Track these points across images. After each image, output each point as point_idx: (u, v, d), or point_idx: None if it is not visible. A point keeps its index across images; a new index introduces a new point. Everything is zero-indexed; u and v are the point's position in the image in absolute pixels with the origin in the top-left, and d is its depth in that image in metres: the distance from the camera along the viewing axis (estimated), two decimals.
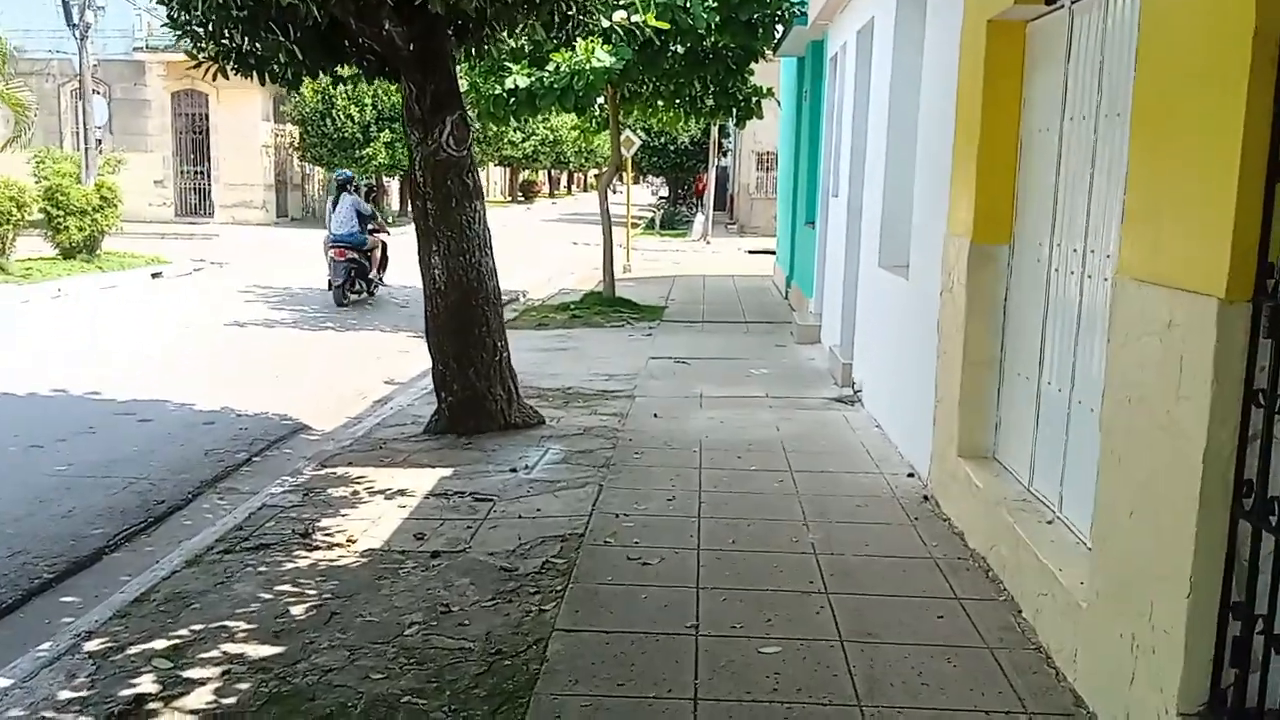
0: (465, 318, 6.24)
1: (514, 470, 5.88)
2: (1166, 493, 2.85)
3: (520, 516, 5.11)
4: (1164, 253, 2.95)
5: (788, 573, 4.40)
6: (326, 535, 4.93)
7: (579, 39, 11.00)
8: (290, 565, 4.57)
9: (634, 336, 11.26)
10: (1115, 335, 3.23)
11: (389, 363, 10.48)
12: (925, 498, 5.40)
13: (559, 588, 4.24)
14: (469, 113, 12.77)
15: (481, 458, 6.17)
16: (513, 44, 11.21)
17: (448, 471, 5.90)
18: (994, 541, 4.38)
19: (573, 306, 13.25)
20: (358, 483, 5.78)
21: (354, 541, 4.82)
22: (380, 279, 15.27)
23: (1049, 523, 4.06)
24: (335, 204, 14.59)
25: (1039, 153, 4.59)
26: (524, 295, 16.29)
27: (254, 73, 5.94)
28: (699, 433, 6.86)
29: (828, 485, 5.64)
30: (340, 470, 6.02)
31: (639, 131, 36.28)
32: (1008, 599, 4.14)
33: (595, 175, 53.09)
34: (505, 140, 44.88)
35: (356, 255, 14.22)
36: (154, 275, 18.62)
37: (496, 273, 6.48)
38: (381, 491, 5.60)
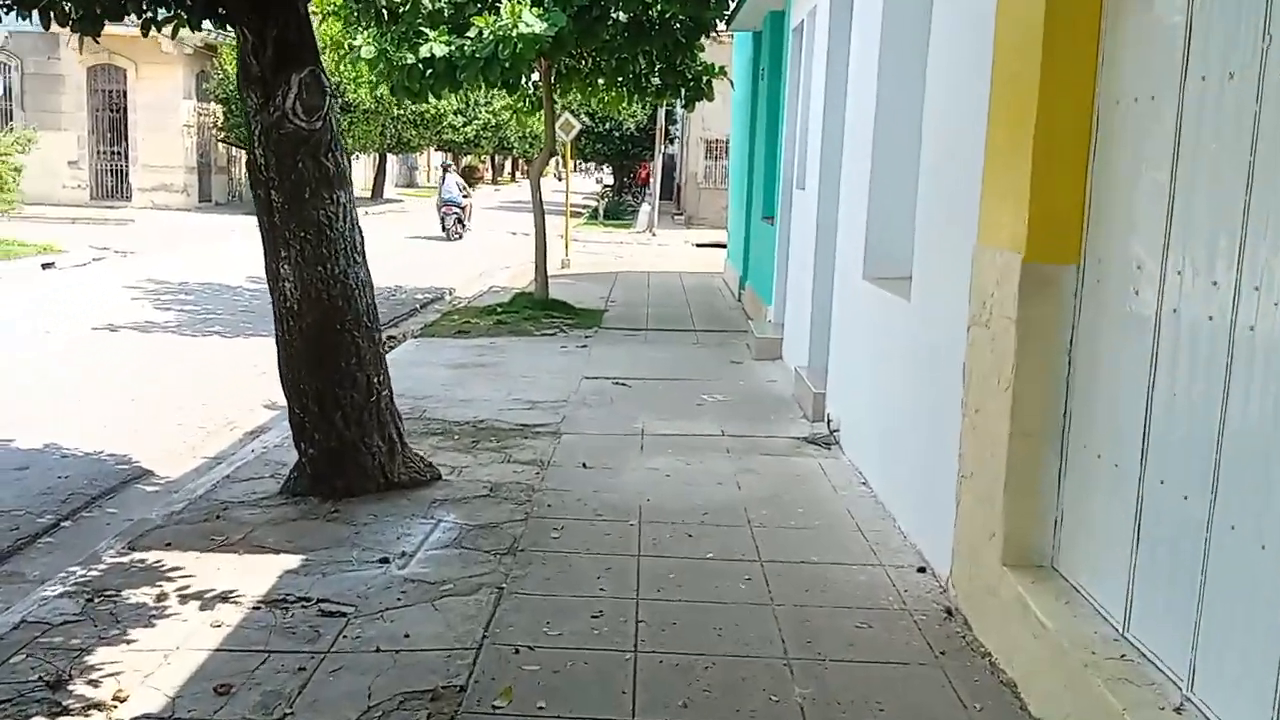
0: (328, 346, 4.67)
1: (385, 561, 4.33)
2: None
3: (379, 649, 3.56)
4: None
5: None
6: (88, 684, 3.34)
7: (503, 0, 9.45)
8: None
9: (567, 348, 9.73)
10: None
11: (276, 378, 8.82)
12: (949, 612, 3.94)
13: None
14: (380, 83, 11.17)
15: (346, 536, 4.60)
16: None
17: (295, 561, 4.33)
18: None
19: (500, 310, 11.67)
20: (169, 578, 4.19)
21: (121, 700, 3.24)
22: (468, 226, 24.25)
23: (1176, 710, 2.63)
24: (443, 180, 24.46)
25: (1132, 133, 3.15)
26: (450, 294, 14.69)
27: (33, 11, 4.29)
28: (638, 492, 5.36)
29: (813, 587, 4.16)
30: (152, 556, 4.42)
31: (581, 115, 34.85)
32: None
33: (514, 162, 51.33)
34: (446, 124, 42.93)
35: (459, 210, 23.67)
36: (44, 266, 16.63)
37: (371, 285, 4.90)
38: (197, 596, 4.02)
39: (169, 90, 28.52)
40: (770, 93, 11.70)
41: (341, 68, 12.10)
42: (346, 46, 10.28)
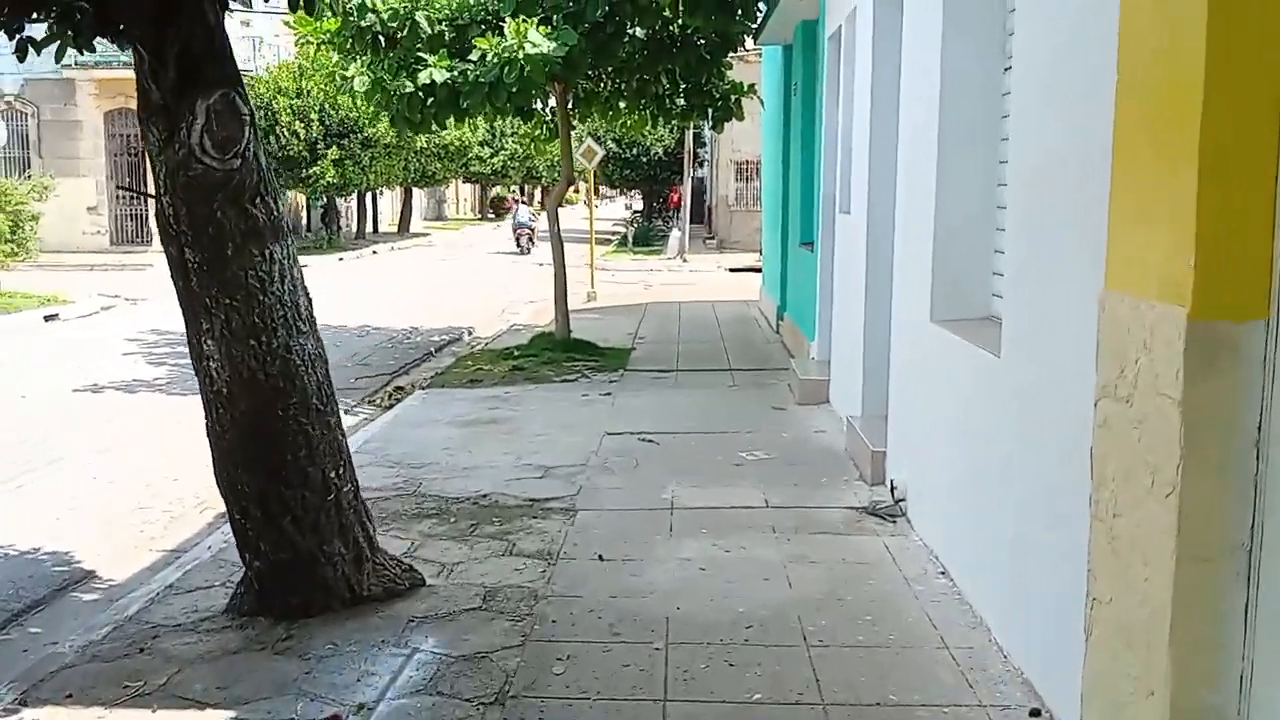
0: (268, 437, 3.74)
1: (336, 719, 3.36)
2: None
3: None
4: None
5: None
6: None
7: (508, 19, 8.58)
8: None
9: (588, 397, 8.76)
10: None
11: None
12: None
13: None
14: (380, 115, 10.34)
15: (294, 677, 3.64)
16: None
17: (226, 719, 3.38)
18: None
19: (518, 353, 10.74)
20: None
21: None
22: (535, 244, 28.99)
23: None
24: (516, 211, 32.43)
25: None
26: (469, 334, 13.82)
27: None
28: (666, 596, 4.36)
29: None
30: (44, 716, 3.49)
31: (606, 141, 34.16)
32: None
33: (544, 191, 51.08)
34: (472, 155, 42.41)
35: (530, 230, 29.66)
36: (47, 318, 15.99)
37: (323, 359, 3.95)
38: None
39: None
40: (805, 109, 10.75)
41: (340, 99, 11.28)
42: (338, 78, 9.44)
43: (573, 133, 26.20)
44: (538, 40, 8.61)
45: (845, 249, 7.75)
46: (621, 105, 11.87)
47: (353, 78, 9.17)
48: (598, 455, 6.82)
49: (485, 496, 5.89)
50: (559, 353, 10.62)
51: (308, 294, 3.83)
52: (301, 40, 9.79)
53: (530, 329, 13.10)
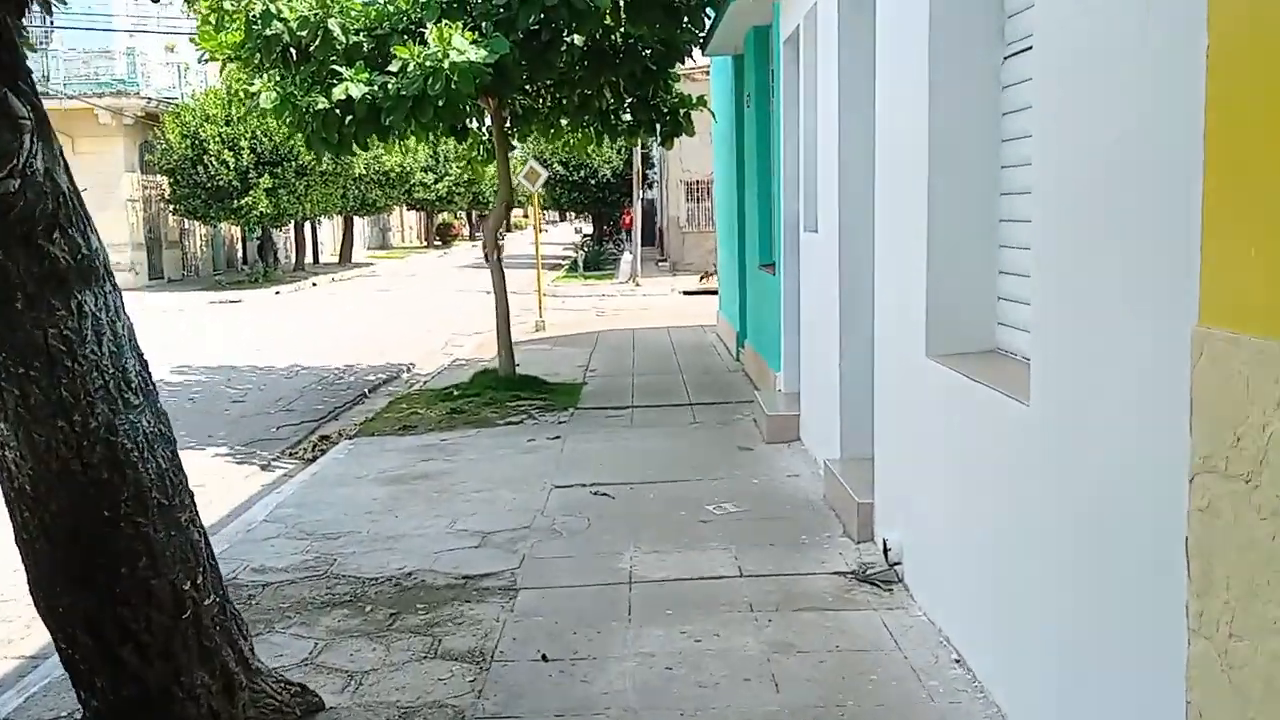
0: (93, 545, 2.84)
1: None
2: None
3: None
4: None
5: None
6: None
7: (430, 26, 7.76)
8: None
9: (534, 442, 7.90)
10: None
11: None
12: None
13: None
14: (293, 136, 9.43)
15: None
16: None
17: None
18: None
19: (457, 393, 9.85)
20: None
21: None
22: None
23: None
24: None
25: None
26: (408, 371, 12.89)
27: None
28: (626, 715, 3.52)
29: None
30: None
31: (553, 163, 33.42)
32: None
33: (480, 217, 50.77)
34: (415, 182, 41.44)
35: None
36: None
37: (168, 438, 3.04)
38: None
39: (110, 164, 26.85)
40: (759, 121, 10.03)
41: (262, 124, 10.35)
42: (242, 95, 8.55)
43: (513, 153, 25.41)
44: (464, 47, 7.78)
45: (813, 271, 6.99)
46: (563, 123, 11.11)
47: (258, 94, 8.28)
48: (544, 515, 5.96)
49: (410, 575, 5.01)
50: (502, 391, 9.75)
51: (140, 355, 2.95)
52: (204, 57, 8.89)
53: (474, 364, 12.21)
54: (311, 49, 8.41)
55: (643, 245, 30.58)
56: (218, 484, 7.60)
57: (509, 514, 5.99)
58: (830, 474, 5.92)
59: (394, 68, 8.09)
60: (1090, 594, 2.82)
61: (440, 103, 8.16)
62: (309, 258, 37.48)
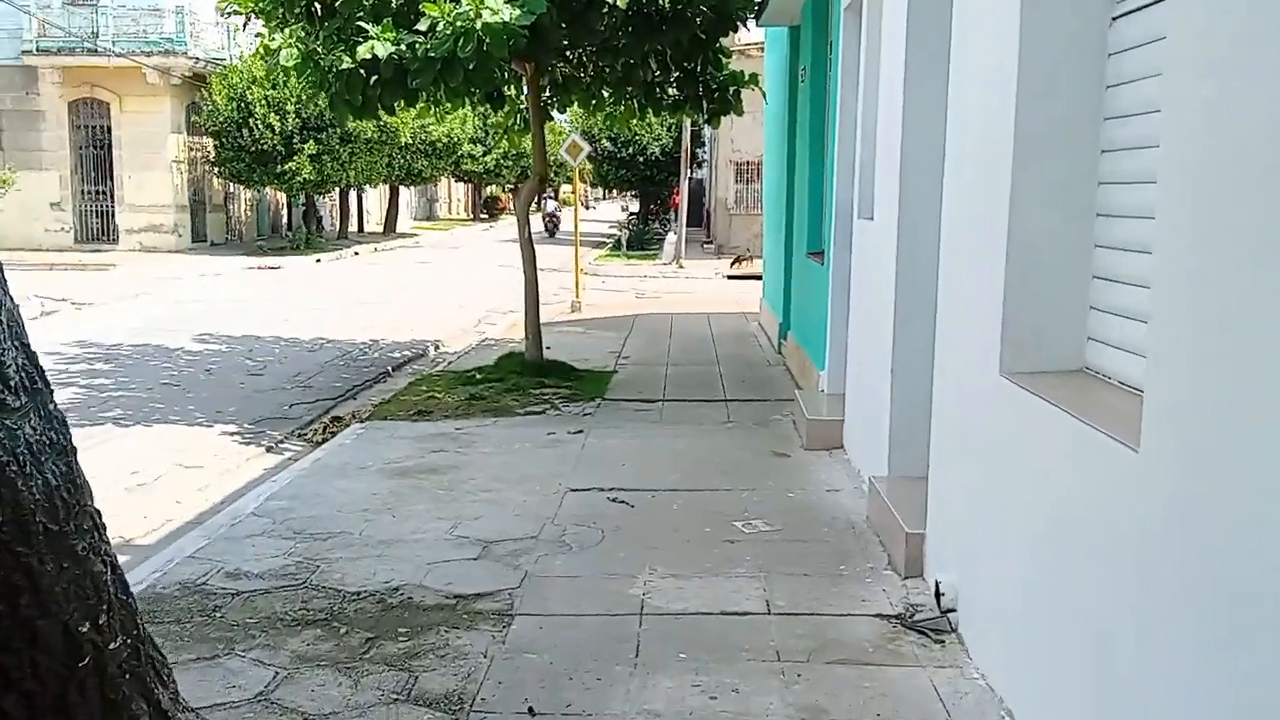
0: None
1: None
2: None
3: None
4: None
5: None
6: None
7: None
8: None
9: (554, 435, 7.32)
10: None
11: (159, 490, 6.53)
12: None
13: None
14: (317, 96, 8.90)
15: None
16: None
17: None
18: None
19: (479, 377, 9.31)
20: None
21: None
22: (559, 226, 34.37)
23: None
24: (546, 203, 38.26)
25: None
26: (435, 348, 12.38)
27: None
28: None
29: None
30: None
31: (601, 138, 32.72)
32: None
33: (512, 190, 50.39)
34: (463, 153, 41.01)
35: (558, 216, 37.18)
36: None
37: (63, 449, 2.42)
38: None
39: (156, 124, 26.66)
40: (813, 98, 9.35)
41: (292, 83, 9.82)
42: (263, 51, 8.02)
43: (560, 125, 24.69)
44: (497, 6, 7.18)
45: (866, 263, 6.33)
46: (605, 94, 10.47)
47: (279, 50, 7.75)
48: (555, 523, 5.38)
49: (397, 591, 4.46)
50: (527, 377, 9.19)
51: (25, 346, 2.38)
52: (228, 10, 8.36)
53: (503, 345, 11.69)
54: (337, 4, 7.86)
55: (689, 226, 29.90)
56: (216, 467, 7.12)
57: (516, 520, 5.42)
58: (875, 493, 5.28)
59: (422, 26, 7.51)
60: (1218, 690, 2.18)
61: (471, 66, 7.57)
62: (354, 226, 37.26)
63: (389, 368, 11.00)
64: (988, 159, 3.75)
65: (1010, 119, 3.51)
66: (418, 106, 9.00)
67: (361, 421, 7.97)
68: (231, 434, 8.02)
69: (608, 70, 9.97)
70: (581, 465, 6.52)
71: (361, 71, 7.90)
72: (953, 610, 4.03)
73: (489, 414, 8.03)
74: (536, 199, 63.18)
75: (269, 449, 7.67)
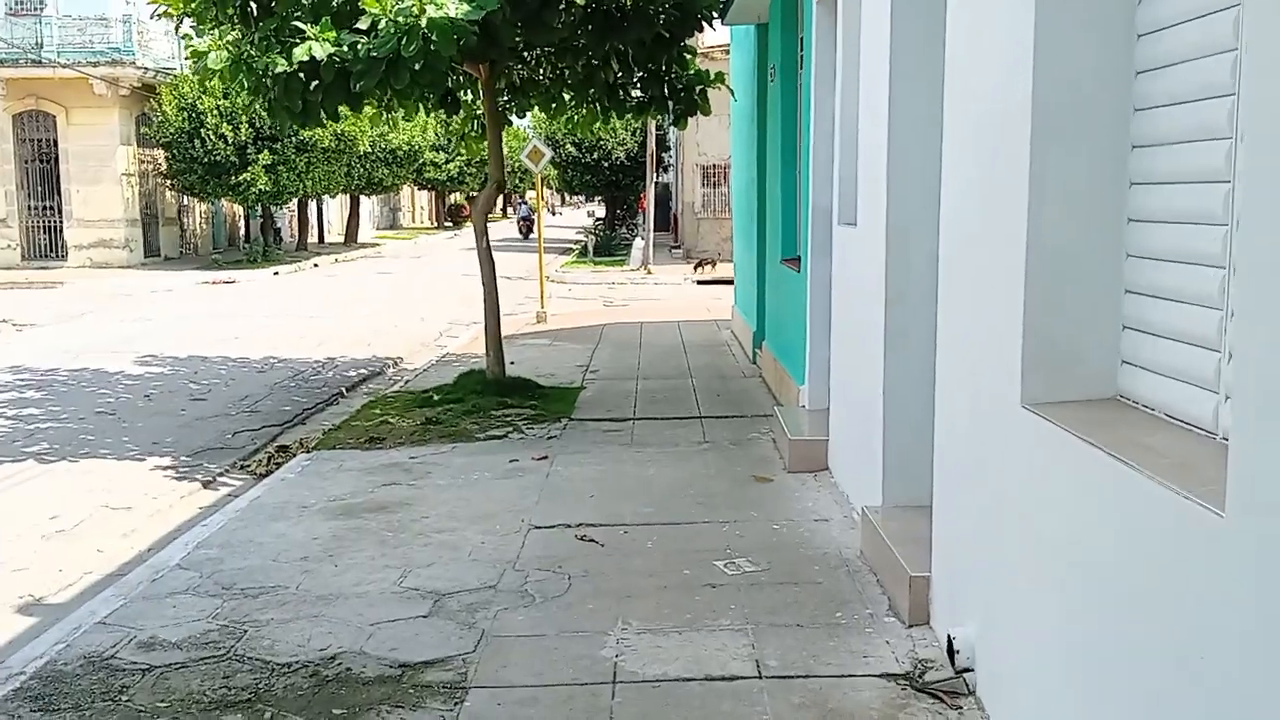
0: None
1: None
2: None
3: None
4: None
5: None
6: None
7: None
8: None
9: (517, 464, 6.78)
10: None
11: (56, 550, 5.90)
12: None
13: None
14: (255, 103, 8.32)
15: None
16: None
17: None
18: None
19: (438, 398, 8.75)
20: None
21: None
22: (534, 230, 27.92)
23: None
24: (520, 208, 42.69)
25: None
26: (393, 365, 11.82)
27: None
28: None
29: None
30: None
31: (566, 144, 32.16)
32: None
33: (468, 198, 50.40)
34: (425, 160, 40.36)
35: (530, 221, 37.41)
36: None
37: None
38: None
39: (104, 136, 25.83)
40: (785, 97, 8.88)
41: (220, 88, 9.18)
42: (191, 54, 7.44)
43: (523, 130, 24.13)
44: (443, 2, 6.64)
45: (849, 271, 5.85)
46: (566, 97, 9.96)
47: (206, 53, 7.16)
48: (516, 568, 4.85)
49: (334, 661, 3.90)
50: (488, 396, 8.64)
51: None
52: (157, 12, 7.76)
53: (465, 360, 11.14)
54: (273, 3, 7.29)
55: (656, 230, 29.42)
56: (146, 507, 6.52)
57: (473, 566, 4.88)
58: (870, 526, 4.79)
59: (363, 25, 6.95)
60: None
61: (417, 66, 7.02)
62: (314, 237, 36.45)
63: (343, 388, 10.41)
64: (999, 158, 3.27)
65: (1025, 112, 3.02)
66: (366, 112, 8.44)
67: (308, 451, 7.39)
68: (166, 468, 7.41)
69: (567, 71, 9.47)
70: (546, 497, 5.98)
71: (301, 75, 7.33)
72: (969, 670, 3.54)
73: (447, 439, 7.47)
74: (503, 204, 63.95)
75: (206, 484, 7.08)
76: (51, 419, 8.82)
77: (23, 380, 10.59)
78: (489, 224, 9.56)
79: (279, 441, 8.15)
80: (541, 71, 9.78)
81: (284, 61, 7.11)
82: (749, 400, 8.84)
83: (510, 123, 10.83)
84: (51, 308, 17.98)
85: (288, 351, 12.54)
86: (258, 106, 7.82)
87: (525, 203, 43.25)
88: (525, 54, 9.29)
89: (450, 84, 9.81)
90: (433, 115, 9.95)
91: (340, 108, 7.78)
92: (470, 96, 10.03)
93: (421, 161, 39.39)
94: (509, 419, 8.04)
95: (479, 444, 7.36)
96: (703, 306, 16.73)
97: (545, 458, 6.90)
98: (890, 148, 4.85)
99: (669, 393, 9.21)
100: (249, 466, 7.51)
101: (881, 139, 4.96)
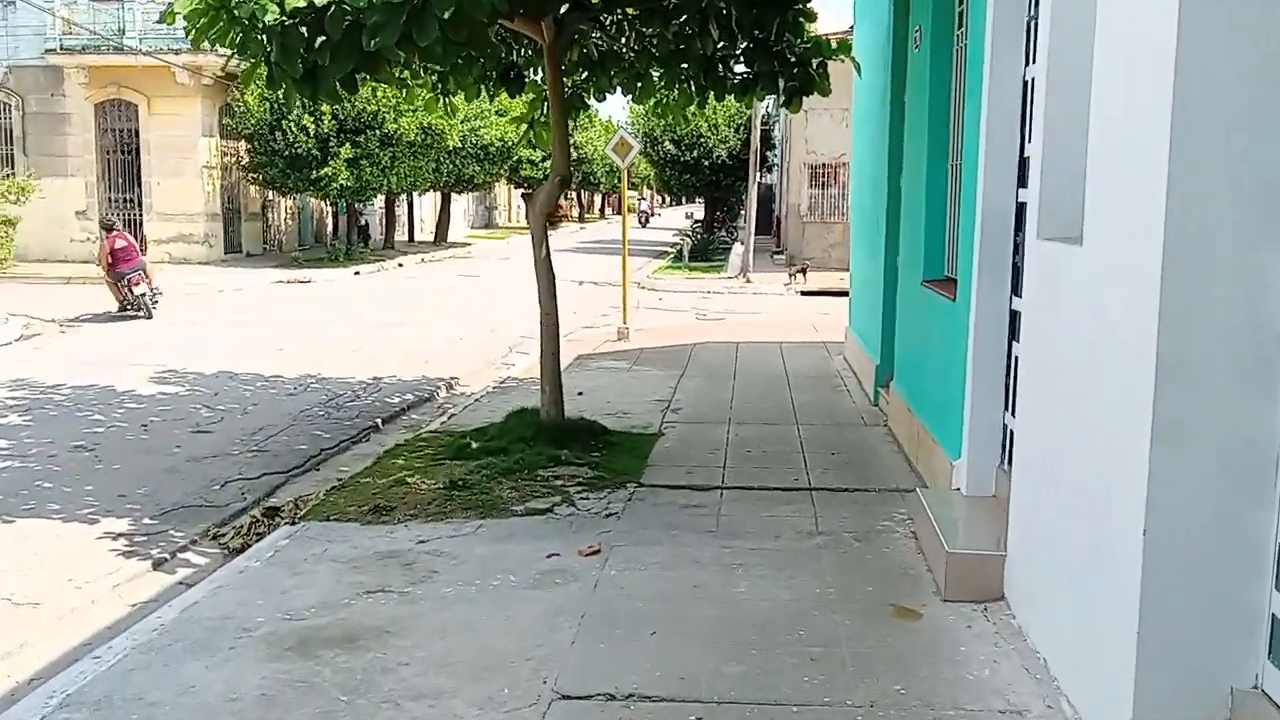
0: None
1: None
2: None
3: None
4: None
5: None
6: None
7: None
8: None
9: (556, 564, 4.88)
10: None
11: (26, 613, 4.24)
12: None
13: None
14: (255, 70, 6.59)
15: None
16: None
17: None
18: None
19: (476, 445, 6.93)
20: None
21: None
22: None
23: None
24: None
25: None
26: (447, 389, 10.12)
27: None
28: None
29: None
30: None
31: (664, 142, 30.31)
32: None
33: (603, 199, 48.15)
34: (519, 158, 38.95)
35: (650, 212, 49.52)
36: None
37: None
38: None
39: (186, 127, 24.89)
40: (934, 69, 6.81)
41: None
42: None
43: (617, 125, 22.11)
44: None
45: (1061, 307, 3.81)
46: (654, 73, 8.09)
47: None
48: None
49: None
50: (539, 446, 6.78)
51: None
52: None
53: (525, 386, 9.36)
54: None
55: (758, 234, 27.39)
56: (56, 606, 4.83)
57: None
58: None
59: None
60: None
61: (446, 14, 5.22)
62: (404, 235, 35.34)
63: (379, 420, 8.69)
64: None
65: None
66: (394, 84, 6.69)
67: (294, 521, 5.64)
68: (118, 536, 5.74)
69: (656, 41, 7.57)
70: (587, 631, 4.08)
71: (302, 30, 5.60)
72: None
73: (473, 512, 5.63)
74: (601, 205, 64.61)
75: (157, 564, 5.38)
76: (16, 455, 7.28)
77: (15, 399, 9.15)
78: (553, 226, 7.72)
79: (272, 500, 6.44)
80: (624, 41, 7.92)
81: (274, 7, 5.37)
82: (874, 463, 6.80)
83: (586, 106, 8.96)
84: (106, 306, 16.85)
85: (331, 369, 10.92)
86: (259, 73, 6.08)
87: (642, 198, 51.05)
88: (601, 17, 7.44)
89: (511, 56, 8.05)
90: (489, 93, 8.13)
91: (359, 75, 6.02)
92: (538, 75, 8.25)
93: (515, 159, 37.95)
94: (559, 483, 6.16)
95: (513, 521, 5.50)
96: (808, 324, 14.67)
97: (596, 551, 5.01)
98: (1174, 122, 2.82)
99: (770, 445, 7.23)
100: (223, 535, 5.81)
101: (1152, 112, 2.93)
